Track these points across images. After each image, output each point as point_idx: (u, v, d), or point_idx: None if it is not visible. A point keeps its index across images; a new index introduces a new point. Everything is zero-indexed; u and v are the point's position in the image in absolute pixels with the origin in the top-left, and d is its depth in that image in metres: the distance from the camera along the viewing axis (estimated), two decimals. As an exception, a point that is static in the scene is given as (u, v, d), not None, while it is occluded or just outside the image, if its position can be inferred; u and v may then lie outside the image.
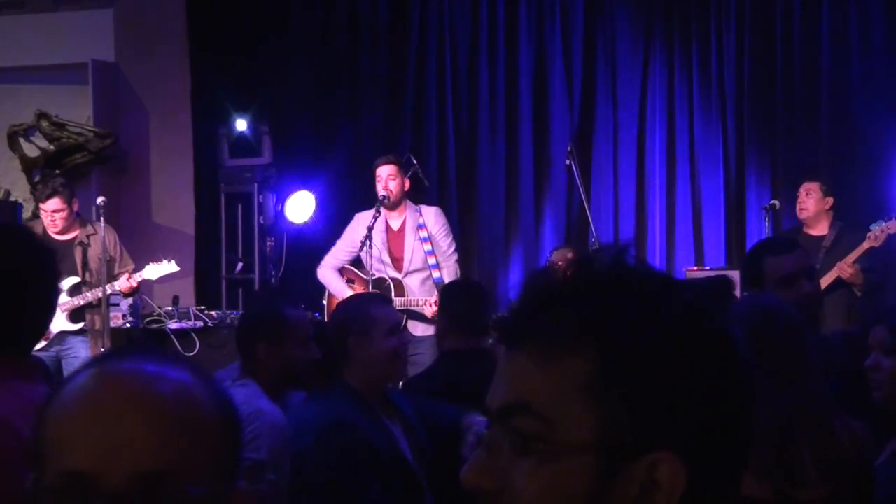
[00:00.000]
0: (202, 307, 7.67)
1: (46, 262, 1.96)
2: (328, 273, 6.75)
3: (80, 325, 6.71)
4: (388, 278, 6.45)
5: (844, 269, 6.45)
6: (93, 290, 6.67)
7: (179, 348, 7.19)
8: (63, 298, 6.67)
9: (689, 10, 8.31)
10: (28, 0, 8.60)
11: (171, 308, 7.52)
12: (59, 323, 6.67)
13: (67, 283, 6.71)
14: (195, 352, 7.20)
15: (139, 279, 6.74)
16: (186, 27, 8.47)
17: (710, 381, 0.97)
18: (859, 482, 2.41)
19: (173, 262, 6.97)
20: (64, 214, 6.78)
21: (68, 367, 6.65)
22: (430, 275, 6.49)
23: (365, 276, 6.47)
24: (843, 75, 7.91)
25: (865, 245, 6.47)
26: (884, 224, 6.50)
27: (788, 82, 8.06)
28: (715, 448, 0.97)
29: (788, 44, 8.05)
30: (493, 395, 1.01)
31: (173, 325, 7.31)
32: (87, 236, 6.84)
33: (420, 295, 6.43)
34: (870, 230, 6.50)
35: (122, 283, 6.70)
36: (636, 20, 8.39)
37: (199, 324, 7.38)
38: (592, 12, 8.45)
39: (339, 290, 6.65)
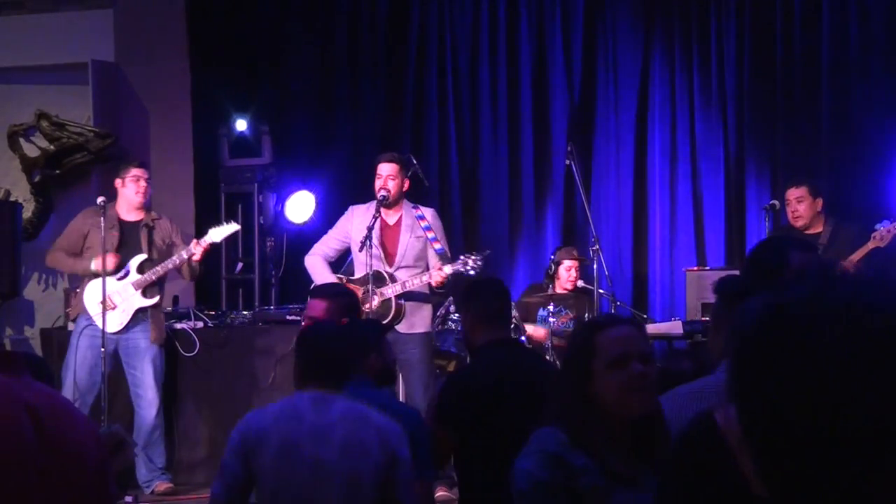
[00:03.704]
0: (202, 307, 7.67)
1: None
2: (318, 261, 6.46)
3: (156, 300, 6.77)
4: (384, 273, 6.35)
5: (853, 265, 6.42)
6: (163, 264, 6.73)
7: (179, 348, 7.19)
8: (133, 276, 6.73)
9: (689, 10, 8.31)
10: (28, 0, 8.60)
11: (171, 308, 7.52)
12: (136, 301, 6.73)
13: (136, 261, 6.76)
14: (195, 352, 7.20)
15: (206, 243, 6.76)
16: (186, 27, 8.47)
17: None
18: None
19: (233, 222, 7.04)
20: (150, 184, 6.97)
21: (128, 352, 6.75)
22: (420, 272, 6.38)
23: (354, 282, 6.33)
24: (843, 75, 7.91)
25: (870, 245, 6.44)
26: (890, 224, 6.46)
27: (788, 82, 8.05)
28: None
29: (788, 44, 8.05)
30: None
31: (173, 325, 7.30)
32: (153, 220, 6.91)
33: (409, 292, 6.33)
34: (875, 230, 6.47)
35: (191, 249, 6.70)
36: (636, 20, 8.39)
37: (199, 324, 7.37)
38: (593, 12, 8.45)
39: (324, 278, 6.34)
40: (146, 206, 6.93)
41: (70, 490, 1.70)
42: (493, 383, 3.89)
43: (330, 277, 6.38)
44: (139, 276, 6.75)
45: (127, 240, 6.81)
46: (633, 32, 8.40)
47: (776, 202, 7.35)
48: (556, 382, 2.88)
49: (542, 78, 8.51)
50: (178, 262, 6.77)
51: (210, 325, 7.42)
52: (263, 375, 7.24)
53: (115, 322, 6.69)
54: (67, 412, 1.77)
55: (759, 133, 8.15)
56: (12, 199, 8.49)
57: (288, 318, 7.39)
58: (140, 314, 6.78)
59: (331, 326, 3.78)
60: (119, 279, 6.74)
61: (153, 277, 6.75)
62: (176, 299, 7.68)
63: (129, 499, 6.30)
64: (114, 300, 6.71)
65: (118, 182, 6.93)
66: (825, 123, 7.95)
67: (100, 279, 6.65)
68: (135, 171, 6.90)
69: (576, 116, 8.46)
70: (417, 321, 6.34)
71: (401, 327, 6.24)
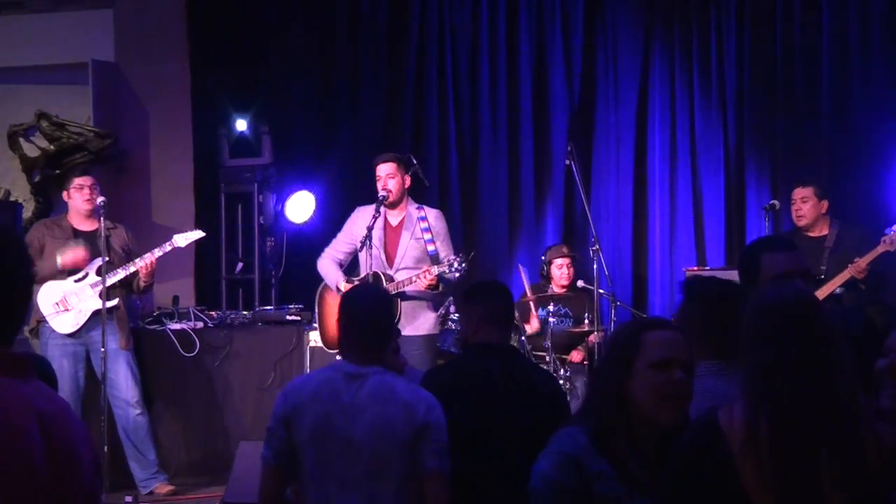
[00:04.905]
0: (202, 307, 7.68)
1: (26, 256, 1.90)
2: (327, 263, 6.55)
3: (114, 302, 6.72)
4: (381, 273, 6.37)
5: (862, 267, 6.46)
6: (123, 267, 6.71)
7: (179, 348, 7.19)
8: (92, 279, 6.69)
9: (689, 10, 8.31)
10: (28, 0, 8.60)
11: (171, 308, 7.53)
12: (93, 303, 6.67)
13: (95, 263, 6.71)
14: (195, 352, 7.21)
15: (169, 248, 6.77)
16: (186, 27, 8.47)
17: None
18: (879, 494, 2.32)
19: (199, 230, 7.06)
20: (97, 189, 6.87)
21: (98, 355, 6.64)
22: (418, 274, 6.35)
23: (353, 281, 6.37)
24: (843, 76, 7.91)
25: (881, 248, 6.48)
26: None
27: (788, 82, 8.05)
28: None
29: (788, 44, 8.05)
30: None
31: (173, 325, 7.31)
32: (108, 229, 6.89)
33: (410, 293, 6.32)
34: (885, 234, 6.51)
35: (145, 259, 6.69)
36: (636, 20, 8.39)
37: (199, 324, 7.38)
38: (593, 12, 8.45)
39: (335, 279, 6.50)
40: (98, 214, 6.79)
41: (69, 494, 1.71)
42: (467, 386, 3.84)
43: (341, 277, 6.48)
44: (97, 279, 6.68)
45: (86, 246, 6.78)
46: (633, 32, 8.39)
47: (776, 202, 7.36)
48: (592, 376, 2.89)
49: (542, 78, 8.51)
50: (132, 268, 6.72)
51: (210, 325, 7.43)
52: (263, 375, 7.25)
53: (70, 323, 6.65)
54: (68, 416, 1.77)
55: (759, 133, 8.15)
56: (12, 199, 8.50)
57: (287, 318, 7.40)
58: (100, 316, 6.66)
59: (375, 289, 3.75)
60: (76, 281, 6.71)
61: (112, 279, 6.70)
62: (176, 299, 7.68)
63: (128, 499, 6.30)
64: (70, 302, 6.68)
65: (65, 194, 6.94)
66: (825, 123, 7.95)
67: (51, 283, 6.66)
68: (78, 181, 6.87)
69: (576, 116, 8.45)
70: (422, 323, 6.32)
71: (405, 329, 6.20)
